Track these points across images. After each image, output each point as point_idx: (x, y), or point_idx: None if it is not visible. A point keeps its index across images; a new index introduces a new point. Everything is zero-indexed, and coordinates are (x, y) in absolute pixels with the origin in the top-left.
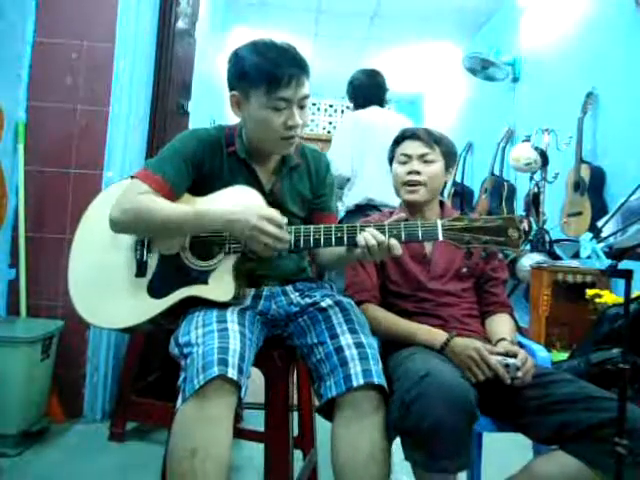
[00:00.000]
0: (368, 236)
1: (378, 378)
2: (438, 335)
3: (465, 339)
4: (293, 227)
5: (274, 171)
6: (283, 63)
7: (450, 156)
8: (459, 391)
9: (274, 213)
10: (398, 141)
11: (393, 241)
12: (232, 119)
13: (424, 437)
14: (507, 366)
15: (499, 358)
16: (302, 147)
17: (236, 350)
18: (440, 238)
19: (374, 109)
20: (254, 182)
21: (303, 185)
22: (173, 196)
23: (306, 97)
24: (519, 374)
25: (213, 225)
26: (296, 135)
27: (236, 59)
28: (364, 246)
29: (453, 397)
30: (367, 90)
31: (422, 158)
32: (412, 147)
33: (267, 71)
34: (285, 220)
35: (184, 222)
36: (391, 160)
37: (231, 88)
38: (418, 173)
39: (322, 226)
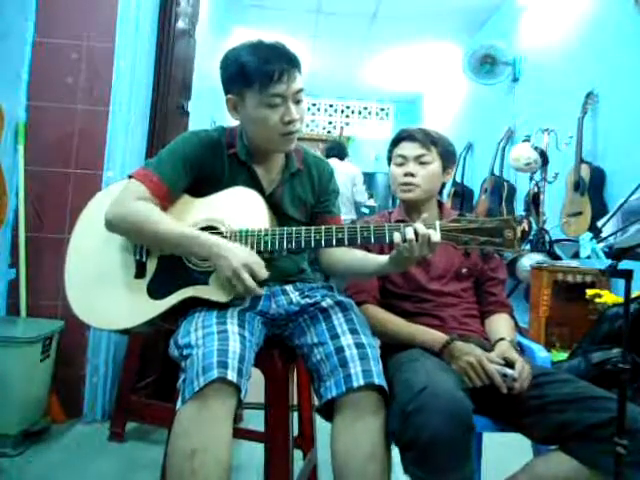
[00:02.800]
0: (409, 230)
1: (378, 379)
2: (438, 337)
3: (465, 344)
4: (294, 228)
5: (275, 175)
6: (272, 59)
7: (448, 157)
8: (457, 403)
9: (257, 266)
10: (396, 142)
11: (431, 230)
12: (233, 120)
13: (423, 449)
14: (504, 376)
15: (497, 367)
16: (305, 154)
17: (236, 352)
18: (438, 237)
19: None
20: (254, 184)
21: (304, 191)
22: (170, 198)
23: (300, 91)
24: (516, 385)
25: (200, 251)
26: (295, 130)
27: (227, 62)
28: (404, 241)
29: (450, 409)
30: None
31: (418, 159)
32: (408, 148)
33: (257, 69)
34: (265, 275)
35: (175, 243)
36: (389, 160)
37: (226, 92)
38: (413, 175)
39: (323, 227)
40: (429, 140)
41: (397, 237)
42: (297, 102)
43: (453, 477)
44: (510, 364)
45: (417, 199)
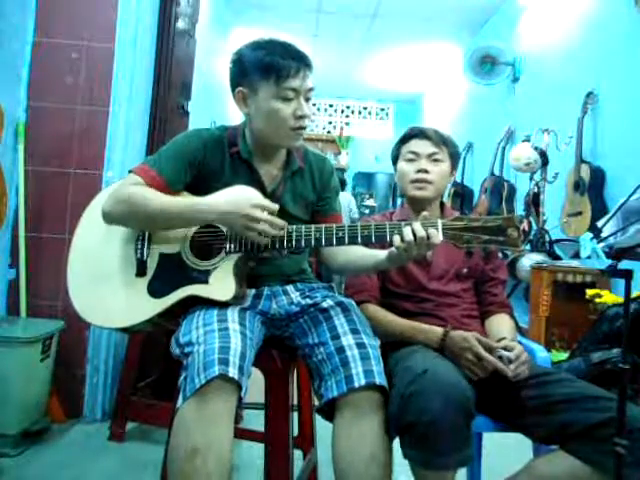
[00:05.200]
0: (407, 230)
1: (380, 379)
2: (437, 332)
3: (460, 333)
4: (294, 227)
5: (277, 173)
6: (289, 56)
7: (455, 157)
8: (456, 388)
9: (265, 200)
10: (406, 139)
11: (431, 230)
12: (233, 120)
13: (423, 432)
14: (500, 358)
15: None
16: (305, 151)
17: (237, 349)
18: (440, 238)
19: None
20: (256, 183)
21: (306, 189)
22: (167, 193)
23: (311, 90)
24: (511, 367)
25: (207, 216)
26: (305, 126)
27: (240, 56)
28: (404, 242)
29: (451, 393)
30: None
31: (431, 157)
32: (421, 146)
33: (275, 62)
34: (276, 206)
35: (178, 213)
36: (395, 158)
37: (236, 85)
38: (427, 172)
39: (323, 226)
40: (441, 139)
41: (396, 240)
42: (307, 100)
43: (453, 459)
44: (509, 350)
45: (429, 198)
